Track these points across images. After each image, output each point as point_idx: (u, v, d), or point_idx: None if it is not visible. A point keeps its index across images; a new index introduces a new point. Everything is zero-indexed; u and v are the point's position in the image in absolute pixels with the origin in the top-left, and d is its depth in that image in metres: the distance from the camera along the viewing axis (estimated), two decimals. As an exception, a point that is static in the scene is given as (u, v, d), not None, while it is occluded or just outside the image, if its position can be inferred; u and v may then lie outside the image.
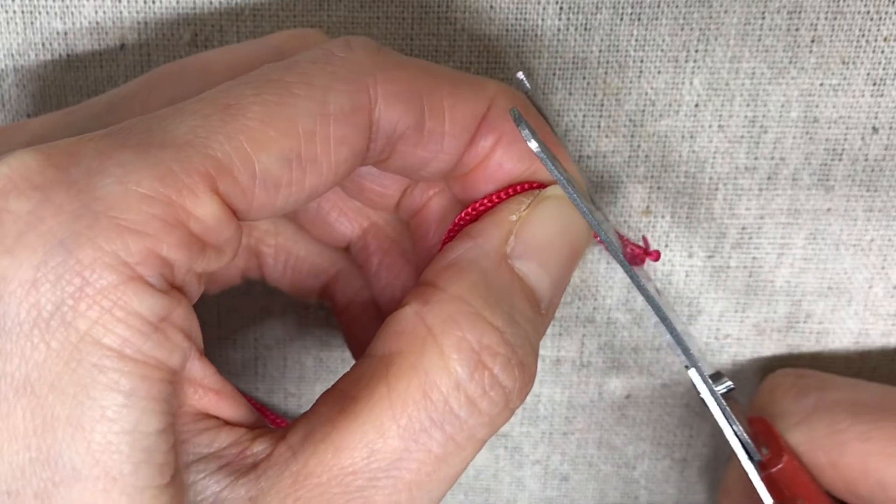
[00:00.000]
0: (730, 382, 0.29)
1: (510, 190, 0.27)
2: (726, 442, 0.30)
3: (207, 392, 0.24)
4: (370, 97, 0.25)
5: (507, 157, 0.27)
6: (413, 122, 0.25)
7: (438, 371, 0.24)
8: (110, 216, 0.21)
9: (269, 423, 0.26)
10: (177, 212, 0.22)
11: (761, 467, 0.30)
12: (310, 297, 0.33)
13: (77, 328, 0.21)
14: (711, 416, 0.29)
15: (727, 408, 0.29)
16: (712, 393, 0.28)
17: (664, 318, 0.28)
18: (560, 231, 0.27)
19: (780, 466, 0.30)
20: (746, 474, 0.30)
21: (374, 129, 0.25)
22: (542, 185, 0.28)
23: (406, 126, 0.25)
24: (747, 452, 0.29)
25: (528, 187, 0.28)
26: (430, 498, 0.24)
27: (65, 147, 0.22)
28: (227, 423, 0.24)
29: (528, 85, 0.28)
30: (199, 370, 0.23)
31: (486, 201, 0.27)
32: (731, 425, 0.29)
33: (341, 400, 0.25)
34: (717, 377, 0.29)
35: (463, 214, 0.28)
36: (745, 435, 0.29)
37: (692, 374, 0.28)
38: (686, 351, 0.28)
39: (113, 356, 0.21)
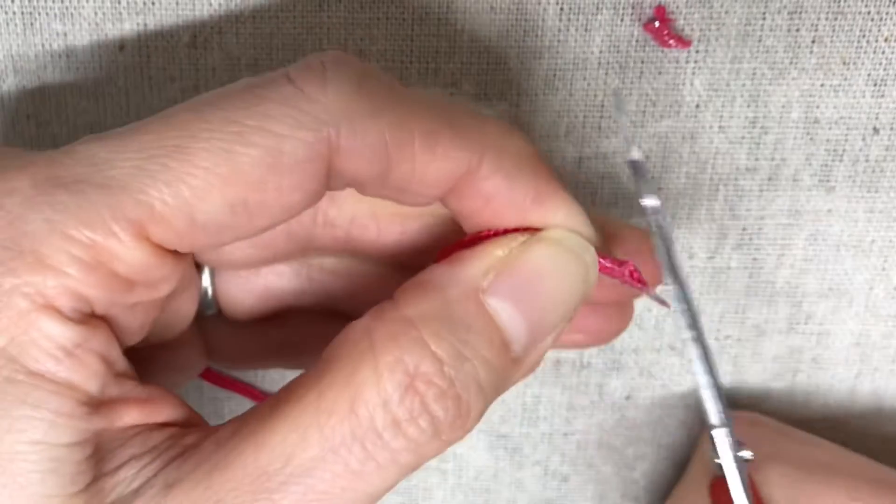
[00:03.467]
0: (749, 453, 0.28)
1: (505, 230, 0.26)
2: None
3: (132, 404, 0.24)
4: (330, 147, 0.24)
5: (493, 221, 0.26)
6: (375, 174, 0.25)
7: (369, 387, 0.23)
8: (33, 251, 0.22)
9: None
10: (99, 254, 0.23)
11: None
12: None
13: None
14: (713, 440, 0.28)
15: (747, 476, 0.28)
16: (738, 464, 0.28)
17: (713, 373, 0.27)
18: (548, 276, 0.26)
19: None
20: (698, 497, 0.29)
21: (333, 175, 0.25)
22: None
23: (367, 177, 0.25)
24: None
25: (528, 230, 0.26)
26: None
27: (2, 175, 0.23)
28: (161, 424, 0.25)
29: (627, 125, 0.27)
30: (118, 389, 0.24)
31: (482, 234, 0.26)
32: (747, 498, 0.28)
33: (275, 401, 0.24)
34: (739, 444, 0.28)
35: (456, 243, 0.27)
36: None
37: (717, 434, 0.27)
38: (724, 409, 0.27)
39: (24, 371, 0.22)
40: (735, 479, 0.28)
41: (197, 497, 0.23)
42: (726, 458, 0.28)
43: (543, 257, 0.26)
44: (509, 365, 0.25)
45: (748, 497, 0.28)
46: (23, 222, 0.23)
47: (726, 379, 0.38)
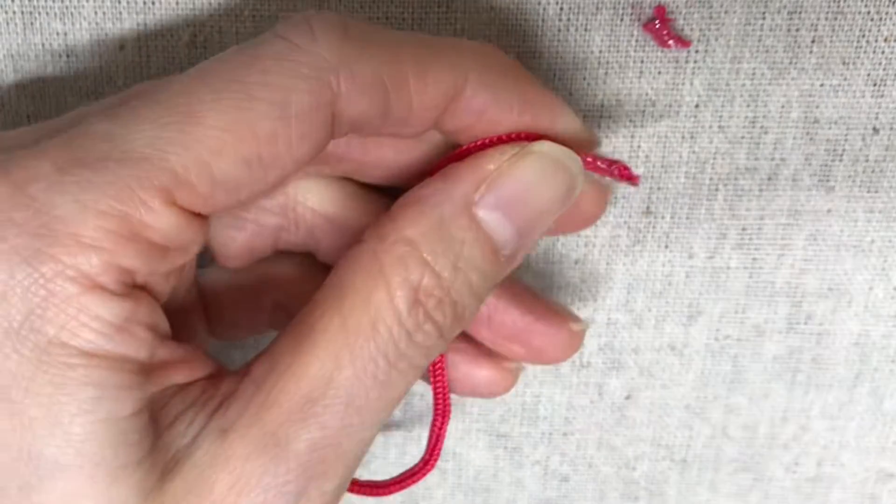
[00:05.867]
0: None
1: (496, 138, 0.28)
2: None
3: (178, 367, 0.26)
4: (333, 93, 0.25)
5: (488, 133, 0.28)
6: (378, 112, 0.26)
7: (385, 307, 0.26)
8: (69, 233, 0.23)
9: None
10: (133, 226, 0.24)
11: None
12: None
13: (46, 334, 0.23)
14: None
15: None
16: None
17: None
18: (535, 188, 0.28)
19: None
20: None
21: (337, 121, 0.26)
22: (535, 138, 0.28)
23: (370, 116, 0.26)
24: None
25: (520, 137, 0.28)
26: (377, 419, 0.27)
27: (21, 162, 0.24)
28: (196, 380, 0.26)
29: None
30: (167, 353, 0.25)
31: (475, 144, 0.28)
32: None
33: (300, 332, 0.26)
34: None
35: (451, 155, 0.28)
36: None
37: None
38: None
39: (81, 355, 0.23)
40: None
41: (253, 436, 0.25)
42: None
43: (530, 170, 0.28)
44: (499, 267, 0.28)
45: None
46: (52, 207, 0.23)
47: (726, 378, 0.38)
